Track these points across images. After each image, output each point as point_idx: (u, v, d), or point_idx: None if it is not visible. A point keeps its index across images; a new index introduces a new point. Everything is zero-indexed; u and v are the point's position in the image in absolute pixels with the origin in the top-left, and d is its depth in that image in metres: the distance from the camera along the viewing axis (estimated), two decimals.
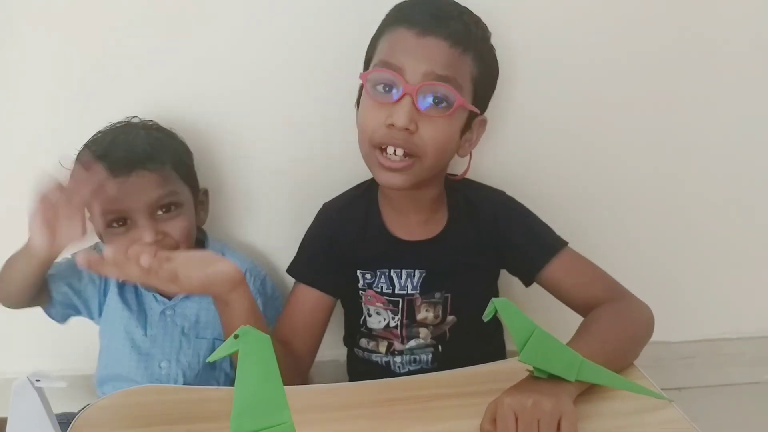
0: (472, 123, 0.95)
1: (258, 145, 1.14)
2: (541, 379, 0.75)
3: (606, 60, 1.13)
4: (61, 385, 0.39)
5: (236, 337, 0.43)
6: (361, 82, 0.94)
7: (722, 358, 1.36)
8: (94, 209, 0.90)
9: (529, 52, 1.10)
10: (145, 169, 0.95)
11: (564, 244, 1.00)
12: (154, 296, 1.04)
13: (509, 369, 0.79)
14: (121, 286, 1.04)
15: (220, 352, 0.43)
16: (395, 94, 0.87)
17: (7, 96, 1.09)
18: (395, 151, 0.88)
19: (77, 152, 0.98)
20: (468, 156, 1.00)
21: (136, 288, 1.06)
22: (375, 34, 0.95)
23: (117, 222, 0.96)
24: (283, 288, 1.18)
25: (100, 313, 1.07)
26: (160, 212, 0.97)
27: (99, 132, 1.01)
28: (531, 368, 0.76)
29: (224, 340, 0.45)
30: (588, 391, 0.77)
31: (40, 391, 0.40)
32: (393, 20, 0.92)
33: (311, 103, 1.12)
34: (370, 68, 0.92)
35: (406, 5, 0.94)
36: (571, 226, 1.03)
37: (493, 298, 0.73)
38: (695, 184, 1.25)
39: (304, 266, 1.05)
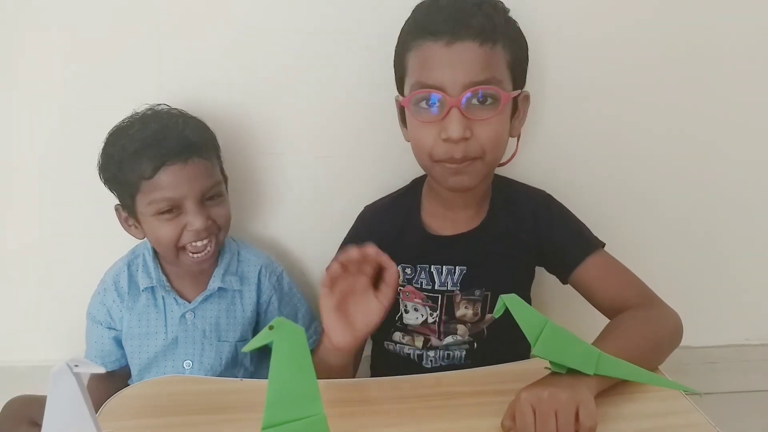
0: (517, 104, 0.96)
1: (284, 142, 1.16)
2: (560, 374, 0.75)
3: (635, 57, 1.11)
4: (99, 371, 0.40)
5: (271, 328, 0.44)
6: (395, 100, 0.96)
7: (745, 364, 1.33)
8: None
9: (557, 47, 1.09)
10: (200, 157, 0.97)
11: (601, 244, 1.00)
12: (174, 299, 1.04)
13: (532, 369, 0.79)
14: (152, 288, 1.06)
15: (255, 343, 0.44)
16: (439, 108, 0.88)
17: (26, 85, 1.12)
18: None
19: (105, 139, 1.00)
20: (516, 137, 1.01)
21: (153, 289, 1.07)
22: (398, 49, 0.96)
23: (167, 210, 0.97)
24: (303, 284, 1.19)
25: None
26: (207, 201, 0.99)
27: (128, 120, 1.00)
28: (549, 366, 0.76)
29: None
30: (609, 392, 0.77)
31: (77, 377, 0.41)
32: (415, 33, 0.91)
33: (338, 99, 1.13)
34: (408, 91, 0.93)
35: (422, 15, 0.92)
36: (596, 229, 1.02)
37: (502, 295, 0.74)
38: (721, 186, 1.22)
39: None
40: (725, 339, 1.34)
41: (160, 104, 1.03)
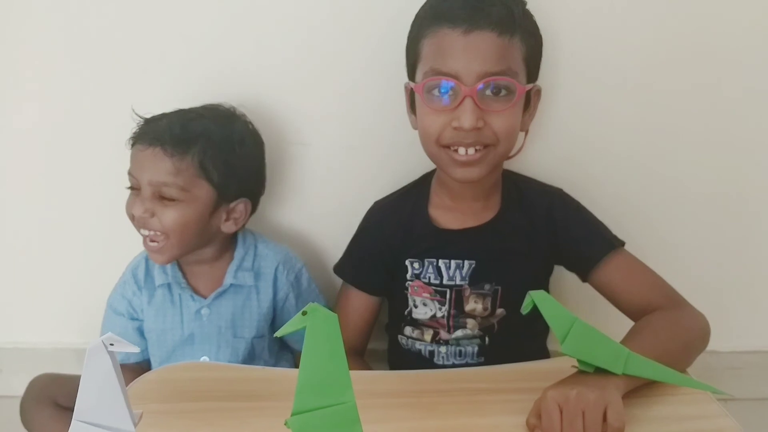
0: (529, 98, 0.94)
1: (309, 132, 1.14)
2: (587, 373, 0.74)
3: (650, 52, 1.08)
4: (133, 350, 0.40)
5: (304, 313, 0.43)
6: (405, 86, 0.95)
7: None
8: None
9: (571, 41, 1.07)
10: (166, 152, 0.94)
11: (621, 243, 0.98)
12: (191, 295, 1.04)
13: (557, 368, 0.77)
14: (168, 285, 1.05)
15: (288, 328, 0.43)
16: (452, 97, 0.87)
17: (46, 60, 1.12)
18: (467, 150, 0.89)
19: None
20: (525, 132, 0.99)
21: (169, 285, 1.06)
22: (412, 34, 0.94)
23: (131, 186, 0.98)
24: (325, 278, 1.19)
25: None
26: (161, 197, 0.96)
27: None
28: (577, 364, 0.75)
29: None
30: (637, 394, 0.75)
31: (112, 355, 0.41)
32: (431, 19, 0.89)
33: (368, 90, 1.11)
34: (421, 78, 0.90)
35: (440, 1, 0.91)
36: (617, 230, 1.00)
37: (530, 291, 0.73)
38: (751, 184, 1.19)
39: (352, 268, 1.07)
40: (752, 345, 1.31)
41: (235, 108, 1.04)
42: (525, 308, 0.73)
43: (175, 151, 0.95)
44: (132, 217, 0.98)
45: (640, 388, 0.76)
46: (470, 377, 0.84)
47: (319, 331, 0.43)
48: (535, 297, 0.72)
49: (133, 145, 0.98)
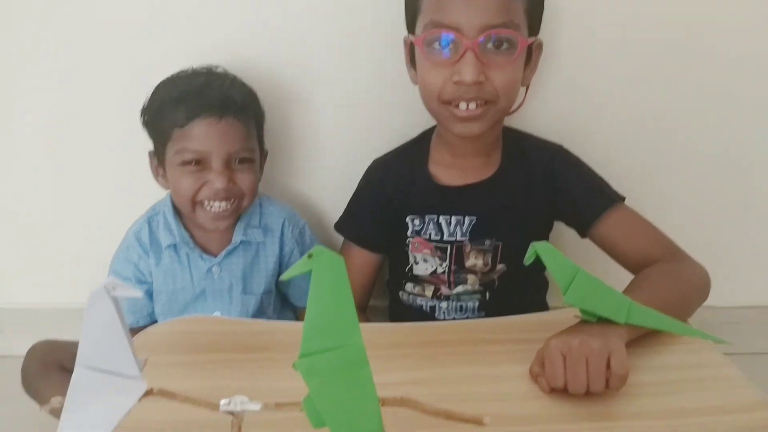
0: (531, 51, 0.93)
1: (311, 90, 1.12)
2: (590, 323, 0.74)
3: (661, 3, 1.07)
4: (136, 295, 0.39)
5: (310, 256, 0.42)
6: (404, 40, 0.92)
7: None
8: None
9: None
10: (236, 118, 0.95)
11: (621, 198, 0.97)
12: (200, 255, 1.03)
13: (559, 319, 0.76)
14: (175, 246, 1.04)
15: (293, 271, 0.42)
16: (453, 50, 0.85)
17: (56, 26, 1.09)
18: (468, 105, 0.87)
19: (152, 91, 0.99)
20: (526, 87, 0.98)
21: (176, 246, 1.05)
22: None
23: (192, 162, 0.95)
24: (325, 237, 1.18)
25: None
26: (235, 163, 0.97)
27: (182, 72, 0.99)
28: (579, 315, 0.75)
29: None
30: (639, 343, 0.75)
31: (114, 300, 0.40)
32: None
33: (366, 45, 1.09)
34: (421, 31, 0.88)
35: None
36: (618, 186, 0.99)
37: (533, 242, 0.72)
38: (752, 141, 1.18)
39: (352, 225, 1.06)
40: (749, 300, 1.32)
41: (218, 66, 1.02)
42: (528, 259, 0.72)
43: (242, 117, 0.96)
44: (211, 194, 0.95)
45: (641, 338, 0.76)
46: (472, 328, 0.83)
47: (326, 273, 0.42)
48: (538, 248, 0.71)
49: (192, 120, 0.93)
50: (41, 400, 1.01)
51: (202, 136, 0.93)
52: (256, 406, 0.47)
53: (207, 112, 0.93)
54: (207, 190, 0.96)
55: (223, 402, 0.47)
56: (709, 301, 0.89)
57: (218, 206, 0.97)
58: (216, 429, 0.59)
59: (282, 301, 1.15)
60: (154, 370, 0.66)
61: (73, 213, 1.23)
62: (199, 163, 0.95)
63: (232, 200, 0.98)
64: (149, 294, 1.07)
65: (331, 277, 0.42)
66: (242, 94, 0.99)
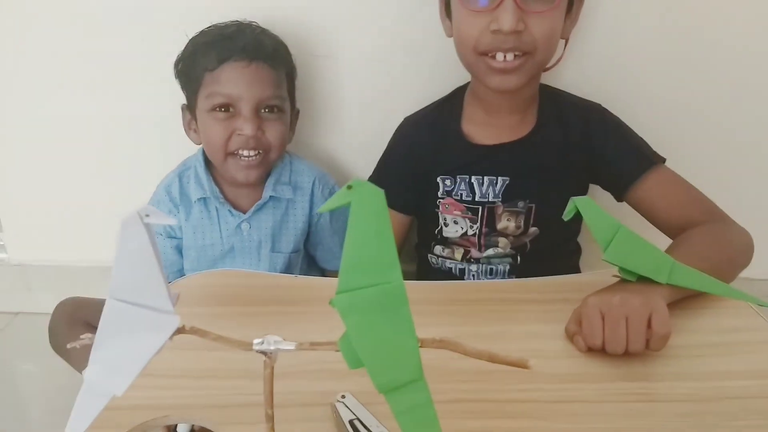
0: (572, 2, 0.89)
1: (341, 44, 1.09)
2: (630, 282, 0.71)
3: None
4: (171, 222, 0.37)
5: (350, 187, 0.40)
6: None
7: None
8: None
9: None
10: (266, 63, 0.95)
11: (661, 159, 0.93)
12: (229, 210, 1.02)
13: (595, 281, 0.74)
14: (205, 199, 1.03)
15: (332, 203, 0.40)
16: None
17: None
18: (505, 56, 0.84)
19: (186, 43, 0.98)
20: (565, 41, 0.94)
21: (206, 201, 1.04)
22: None
23: (221, 107, 0.95)
24: None
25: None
26: (264, 111, 0.96)
27: (214, 24, 1.00)
28: (618, 275, 0.72)
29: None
30: (679, 305, 0.72)
31: (148, 227, 0.38)
32: None
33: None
34: None
35: None
36: (659, 148, 0.95)
37: (573, 197, 0.69)
38: None
39: (381, 185, 1.02)
40: None
41: (252, 22, 1.01)
42: (567, 214, 0.69)
43: (273, 63, 0.95)
44: (241, 142, 0.95)
45: (682, 300, 0.73)
46: (504, 288, 0.82)
47: (365, 206, 0.40)
48: (578, 202, 0.69)
49: (223, 63, 0.93)
50: (68, 356, 1.01)
51: (232, 79, 0.93)
52: (290, 346, 0.45)
53: (237, 56, 0.92)
54: (237, 139, 0.95)
55: (256, 341, 0.45)
56: (747, 272, 0.85)
57: (247, 154, 0.96)
58: (247, 371, 0.59)
59: (309, 264, 1.14)
60: (182, 320, 0.66)
61: (100, 170, 1.23)
62: (229, 109, 0.95)
63: (260, 151, 0.97)
64: (179, 250, 1.06)
65: (371, 209, 0.40)
66: (273, 41, 0.99)
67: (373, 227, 0.41)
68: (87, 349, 0.47)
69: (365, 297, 0.41)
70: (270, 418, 0.48)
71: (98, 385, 0.45)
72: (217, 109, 0.94)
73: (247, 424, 0.57)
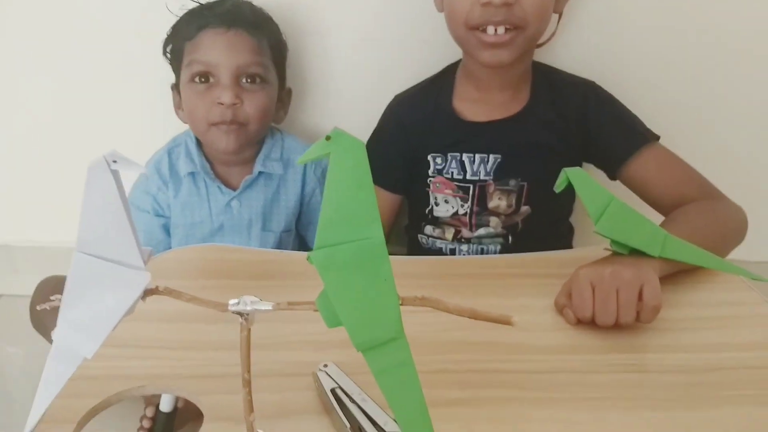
0: None
1: (331, 21, 1.07)
2: (622, 254, 0.70)
3: None
4: (140, 171, 0.35)
5: (328, 138, 0.38)
6: None
7: None
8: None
9: None
10: (245, 30, 0.93)
11: (655, 137, 0.92)
12: (218, 187, 1.01)
13: (587, 256, 0.72)
14: (194, 174, 1.01)
15: (310, 154, 0.39)
16: None
17: None
18: (496, 30, 0.82)
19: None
20: (558, 15, 0.93)
21: (195, 176, 1.02)
22: None
23: (201, 77, 0.93)
24: None
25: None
26: (245, 80, 0.94)
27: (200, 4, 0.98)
28: (610, 248, 0.71)
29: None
30: (672, 280, 0.71)
31: (115, 174, 0.36)
32: None
33: None
34: None
35: None
36: (653, 126, 0.94)
37: (565, 168, 0.68)
38: None
39: (372, 164, 1.01)
40: None
41: None
42: (559, 186, 0.68)
43: (253, 31, 0.94)
44: (220, 113, 0.93)
45: (675, 275, 0.72)
46: (494, 263, 0.80)
47: (345, 157, 0.38)
48: (570, 174, 0.67)
49: (201, 30, 0.92)
50: (48, 336, 0.99)
51: (210, 46, 0.91)
52: (267, 306, 0.43)
53: (215, 22, 0.91)
54: (216, 109, 0.93)
55: (231, 302, 0.44)
56: (738, 254, 0.84)
57: (226, 128, 0.94)
58: (225, 342, 0.57)
59: (300, 245, 1.12)
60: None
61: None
62: (208, 78, 0.93)
63: (238, 125, 0.94)
64: (166, 229, 1.04)
65: (350, 161, 0.38)
66: (254, 9, 0.97)
67: (353, 180, 0.39)
68: (57, 312, 0.45)
69: (344, 253, 0.40)
70: (247, 383, 0.47)
71: (67, 348, 0.44)
72: (197, 79, 0.93)
73: (225, 394, 0.55)
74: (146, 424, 0.88)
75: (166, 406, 0.83)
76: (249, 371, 0.47)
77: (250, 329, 0.45)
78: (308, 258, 0.40)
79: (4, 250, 1.31)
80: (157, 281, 0.44)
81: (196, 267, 0.77)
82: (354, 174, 0.39)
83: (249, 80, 0.94)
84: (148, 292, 0.44)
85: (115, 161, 0.36)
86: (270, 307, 0.43)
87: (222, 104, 0.92)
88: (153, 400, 0.88)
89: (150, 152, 1.06)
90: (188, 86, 0.94)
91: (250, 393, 0.47)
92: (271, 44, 0.98)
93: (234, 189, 1.02)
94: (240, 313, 0.44)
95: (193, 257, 0.80)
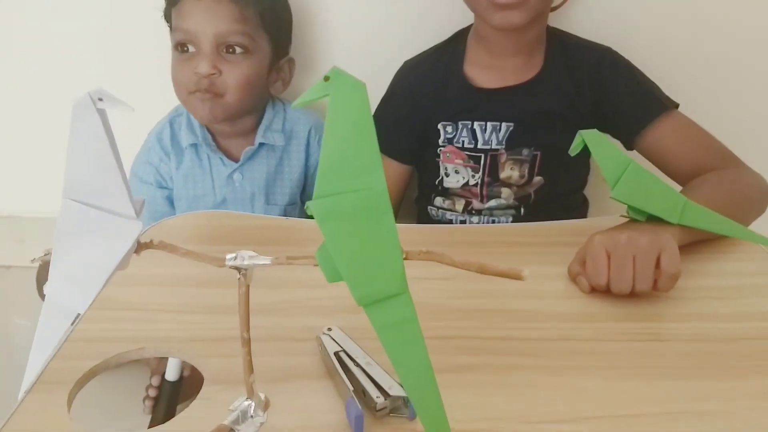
0: None
1: None
2: (639, 221, 0.67)
3: None
4: (128, 110, 0.33)
5: (327, 79, 0.36)
6: None
7: None
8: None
9: None
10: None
11: (674, 105, 0.88)
12: (220, 158, 0.98)
13: (602, 225, 0.70)
14: (196, 146, 0.99)
15: (308, 96, 0.36)
16: None
17: None
18: None
19: None
20: None
21: (197, 147, 1.00)
22: None
23: (184, 45, 0.91)
24: None
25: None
26: (227, 51, 0.90)
27: None
28: (626, 215, 0.68)
29: None
30: (691, 249, 0.68)
31: (101, 113, 0.34)
32: None
33: None
34: None
35: None
36: (672, 93, 0.90)
37: (581, 131, 0.65)
38: None
39: (380, 133, 0.98)
40: None
41: None
42: (574, 149, 0.65)
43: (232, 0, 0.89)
44: (197, 82, 0.90)
45: (693, 244, 0.69)
46: (506, 232, 0.78)
47: (345, 100, 0.36)
48: (585, 136, 0.64)
49: None
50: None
51: (190, 13, 0.89)
52: (265, 260, 0.41)
53: None
54: (193, 78, 0.90)
55: (229, 256, 0.42)
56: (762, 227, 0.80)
57: (201, 97, 0.91)
58: (224, 306, 0.56)
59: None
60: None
61: None
62: (191, 47, 0.90)
63: (212, 94, 0.91)
64: (170, 201, 1.03)
65: (351, 104, 0.36)
66: None
67: (353, 124, 0.37)
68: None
69: (344, 203, 0.37)
70: (246, 342, 0.45)
71: (59, 303, 0.42)
72: (180, 48, 0.90)
73: (225, 357, 0.53)
74: (152, 393, 0.87)
75: (171, 374, 0.82)
76: (248, 330, 0.45)
77: (248, 285, 0.43)
78: (305, 208, 0.38)
79: (11, 220, 1.30)
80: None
81: (200, 233, 0.76)
82: (355, 117, 0.37)
83: (230, 50, 0.90)
84: (142, 246, 0.43)
85: (101, 99, 0.34)
86: (268, 261, 0.41)
87: (199, 74, 0.89)
88: (159, 369, 0.87)
89: (157, 116, 1.04)
90: (173, 53, 0.92)
91: (249, 353, 0.46)
92: (260, 12, 0.92)
93: (236, 161, 0.99)
94: (237, 268, 0.42)
95: (196, 224, 0.78)
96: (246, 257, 0.42)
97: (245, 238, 0.74)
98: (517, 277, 0.37)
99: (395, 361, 0.39)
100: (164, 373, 0.83)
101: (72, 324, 0.50)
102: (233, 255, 0.42)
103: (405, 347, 0.38)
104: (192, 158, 0.99)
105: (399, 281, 0.38)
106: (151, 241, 0.43)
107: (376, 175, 0.38)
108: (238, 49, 0.91)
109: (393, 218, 0.38)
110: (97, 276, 0.40)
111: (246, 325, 0.44)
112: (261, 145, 0.99)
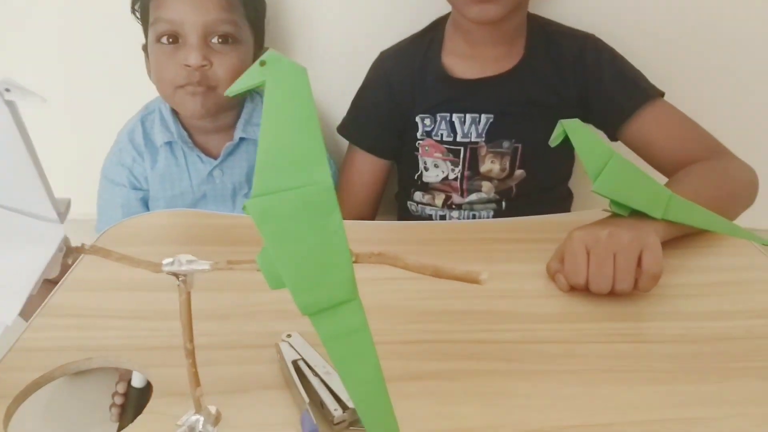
0: None
1: None
2: (622, 216, 0.63)
3: None
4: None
5: (263, 63, 0.32)
6: None
7: None
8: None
9: None
10: None
11: (659, 93, 0.85)
12: (198, 156, 0.94)
13: (584, 220, 0.66)
14: (170, 144, 0.95)
15: (241, 83, 0.32)
16: None
17: None
18: None
19: None
20: None
21: (172, 145, 0.96)
22: None
23: (167, 37, 0.86)
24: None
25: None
26: (215, 40, 0.86)
27: None
28: (609, 209, 0.65)
29: None
30: (676, 244, 0.65)
31: (11, 106, 0.30)
32: None
33: None
34: None
35: None
36: (656, 81, 0.87)
37: (561, 120, 0.61)
38: None
39: (357, 127, 0.96)
40: None
41: None
42: (555, 140, 0.61)
43: None
44: (187, 75, 0.86)
45: (680, 239, 0.66)
46: (485, 228, 0.75)
47: (283, 86, 0.32)
48: (566, 126, 0.60)
49: None
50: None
51: (174, 2, 0.84)
52: (204, 265, 0.38)
53: None
54: (183, 72, 0.85)
55: (166, 261, 0.38)
56: (748, 222, 0.77)
57: (192, 90, 0.87)
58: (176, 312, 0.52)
59: None
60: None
61: (63, 119, 1.14)
62: (175, 39, 0.85)
63: (204, 87, 0.87)
64: (145, 202, 0.98)
65: (290, 91, 0.32)
66: None
67: (293, 113, 0.33)
68: None
69: (285, 201, 0.34)
70: (190, 354, 0.41)
71: None
72: (163, 39, 0.86)
73: (179, 367, 0.49)
74: (118, 400, 0.83)
75: (137, 381, 0.79)
76: (191, 340, 0.41)
77: (189, 292, 0.39)
78: (244, 207, 0.34)
79: None
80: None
81: (166, 233, 0.72)
82: (295, 106, 0.33)
83: (219, 40, 0.86)
84: (72, 251, 0.39)
85: (8, 89, 0.30)
86: (207, 267, 0.38)
87: (189, 66, 0.85)
88: (125, 376, 0.83)
89: (123, 120, 1.00)
90: (155, 47, 0.87)
91: (194, 365, 0.42)
92: (244, 0, 0.90)
93: (215, 157, 0.95)
94: (176, 275, 0.39)
95: (163, 223, 0.75)
96: (184, 262, 0.38)
97: (213, 238, 0.71)
98: (475, 281, 0.33)
99: (342, 373, 0.35)
100: (130, 379, 0.79)
101: None
102: (170, 260, 0.38)
103: (353, 359, 0.35)
104: (167, 157, 0.95)
105: (348, 287, 0.35)
106: (83, 245, 0.39)
107: (321, 169, 0.34)
108: (228, 39, 0.87)
109: (340, 217, 0.35)
110: (20, 285, 0.36)
111: (189, 335, 0.41)
112: (241, 139, 0.95)
